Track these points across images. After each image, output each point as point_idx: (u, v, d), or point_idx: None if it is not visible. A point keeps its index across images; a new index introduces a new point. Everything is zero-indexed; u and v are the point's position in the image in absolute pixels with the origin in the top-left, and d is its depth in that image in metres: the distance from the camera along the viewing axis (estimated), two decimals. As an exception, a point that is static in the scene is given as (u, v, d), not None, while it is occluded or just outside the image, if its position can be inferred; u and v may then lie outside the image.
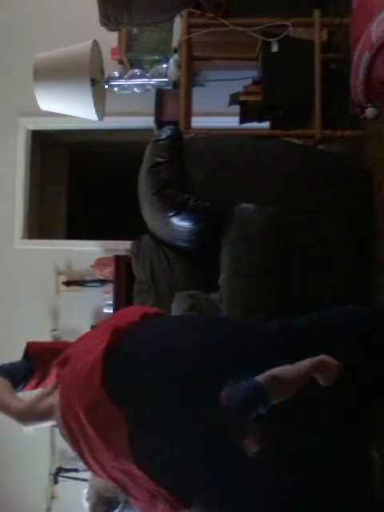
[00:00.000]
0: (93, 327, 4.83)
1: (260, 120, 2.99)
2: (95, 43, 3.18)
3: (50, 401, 1.46)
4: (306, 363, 1.31)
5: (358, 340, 1.54)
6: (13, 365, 1.62)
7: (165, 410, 1.35)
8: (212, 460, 1.34)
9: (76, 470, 4.21)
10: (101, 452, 1.37)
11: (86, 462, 1.43)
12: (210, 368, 1.38)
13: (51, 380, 1.56)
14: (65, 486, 4.44)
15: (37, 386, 1.60)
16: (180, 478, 1.37)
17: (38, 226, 5.65)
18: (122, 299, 3.72)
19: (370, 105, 2.27)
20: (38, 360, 1.61)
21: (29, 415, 1.47)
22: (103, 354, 1.38)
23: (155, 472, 1.35)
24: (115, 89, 3.86)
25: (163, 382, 1.37)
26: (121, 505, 1.72)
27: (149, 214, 2.46)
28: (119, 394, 1.36)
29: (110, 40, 4.34)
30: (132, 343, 1.44)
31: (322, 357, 1.32)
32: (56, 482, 4.45)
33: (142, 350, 1.43)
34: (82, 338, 1.63)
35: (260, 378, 1.26)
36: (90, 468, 1.44)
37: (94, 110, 3.15)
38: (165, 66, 3.88)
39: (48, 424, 1.48)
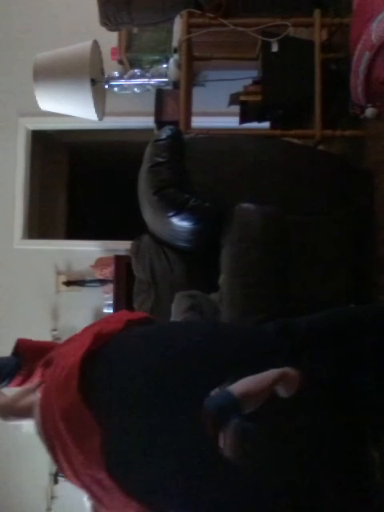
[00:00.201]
0: (93, 327, 4.84)
1: (260, 120, 2.99)
2: (95, 43, 3.18)
3: (32, 398, 1.45)
4: (269, 374, 1.30)
5: (359, 340, 1.54)
6: (0, 359, 1.61)
7: (143, 419, 1.33)
8: (193, 472, 1.32)
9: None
10: (75, 457, 1.35)
11: (60, 467, 1.41)
12: (195, 377, 1.36)
13: (36, 379, 1.56)
14: (65, 486, 4.43)
15: (22, 383, 1.59)
16: (155, 491, 1.34)
17: (38, 226, 5.65)
18: (122, 299, 3.72)
19: (369, 105, 2.27)
20: (26, 357, 1.60)
21: (10, 410, 1.46)
22: (82, 358, 1.37)
23: (128, 484, 1.33)
24: (115, 89, 3.86)
25: (143, 390, 1.35)
26: None
27: (149, 214, 2.46)
28: (96, 399, 1.34)
29: (109, 40, 4.34)
30: (113, 349, 1.42)
31: (286, 369, 1.31)
32: (56, 482, 4.45)
33: (123, 356, 1.41)
34: (69, 340, 1.61)
35: (233, 387, 1.26)
36: (63, 473, 1.41)
37: (93, 110, 3.15)
38: (165, 65, 3.89)
39: (28, 422, 1.47)
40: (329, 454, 1.60)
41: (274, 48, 2.73)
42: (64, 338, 5.38)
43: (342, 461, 1.74)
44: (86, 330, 1.58)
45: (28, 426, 1.49)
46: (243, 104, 2.91)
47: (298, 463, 1.62)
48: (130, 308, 2.76)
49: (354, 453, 1.73)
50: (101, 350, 1.41)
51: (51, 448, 1.39)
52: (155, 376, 1.36)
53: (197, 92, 3.38)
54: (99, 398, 1.35)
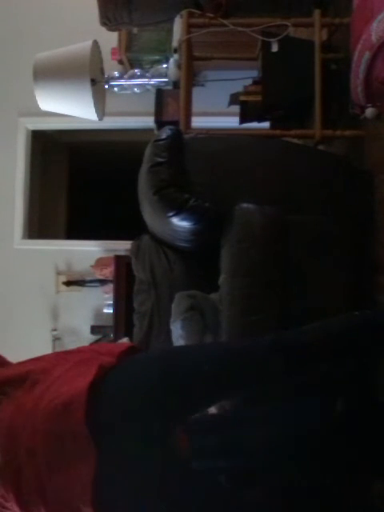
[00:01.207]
0: (93, 327, 4.85)
1: (260, 120, 2.99)
2: (95, 43, 3.19)
3: None
4: None
5: (360, 354, 1.55)
6: None
7: (149, 450, 1.31)
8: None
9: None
10: (51, 481, 1.31)
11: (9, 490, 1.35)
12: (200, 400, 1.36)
13: None
14: None
15: None
16: None
17: (38, 226, 5.65)
18: (122, 299, 3.72)
19: (370, 105, 2.26)
20: None
21: None
22: (89, 386, 1.34)
23: None
24: (115, 89, 3.88)
25: (151, 420, 1.33)
26: None
27: (149, 214, 2.46)
28: (101, 430, 1.31)
29: (110, 40, 4.35)
30: (117, 380, 1.41)
31: None
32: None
33: (128, 386, 1.41)
34: (41, 360, 1.58)
35: None
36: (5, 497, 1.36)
37: (93, 110, 3.15)
38: (165, 65, 3.89)
39: None
40: (328, 455, 1.59)
41: (274, 48, 2.73)
42: (64, 337, 5.38)
43: (343, 461, 1.74)
44: (77, 353, 1.57)
45: None
46: (243, 104, 2.91)
47: (297, 465, 1.62)
48: (130, 308, 2.76)
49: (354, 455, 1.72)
50: (103, 382, 1.39)
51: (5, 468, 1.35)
52: (164, 400, 1.36)
53: (197, 92, 3.39)
54: (105, 428, 1.33)
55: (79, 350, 1.66)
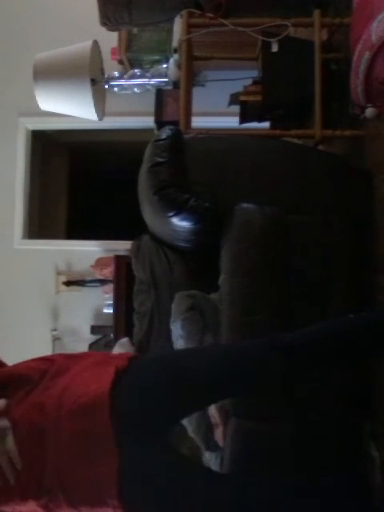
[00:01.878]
0: (93, 327, 4.85)
1: (260, 120, 2.99)
2: (95, 43, 3.18)
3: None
4: None
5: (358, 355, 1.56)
6: None
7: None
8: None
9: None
10: (76, 477, 1.36)
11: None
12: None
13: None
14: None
15: None
16: None
17: (38, 226, 5.65)
18: (122, 299, 3.72)
19: (370, 105, 2.26)
20: None
21: None
22: (111, 387, 1.40)
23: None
24: (115, 89, 3.87)
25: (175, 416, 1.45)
26: None
27: (149, 214, 2.46)
28: (121, 428, 1.37)
29: (110, 40, 4.35)
30: (131, 382, 1.46)
31: None
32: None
33: (141, 388, 1.45)
34: (50, 360, 1.58)
35: None
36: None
37: (93, 110, 3.15)
38: (165, 65, 3.89)
39: None
40: (328, 452, 1.60)
41: (274, 48, 2.73)
42: (64, 337, 5.38)
43: (342, 460, 1.74)
44: (87, 356, 1.62)
45: None
46: (243, 104, 2.91)
47: (297, 462, 1.62)
48: (130, 308, 2.76)
49: (353, 452, 1.73)
50: (120, 382, 1.44)
51: (27, 467, 1.38)
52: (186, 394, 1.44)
53: (197, 92, 3.39)
54: (129, 426, 1.38)
55: (88, 354, 1.71)
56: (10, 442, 1.36)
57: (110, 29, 3.51)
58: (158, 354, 1.76)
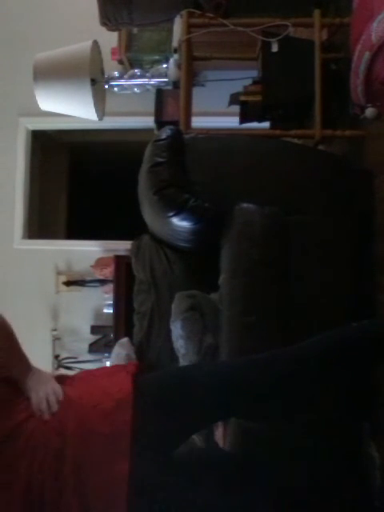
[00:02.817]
0: (93, 327, 4.84)
1: (260, 120, 2.98)
2: (95, 43, 3.19)
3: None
4: None
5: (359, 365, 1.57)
6: None
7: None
8: None
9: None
10: (96, 475, 1.38)
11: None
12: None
13: None
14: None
15: None
16: None
17: (38, 226, 5.65)
18: (122, 299, 3.71)
19: (369, 105, 2.26)
20: None
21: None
22: (133, 391, 1.44)
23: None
24: (115, 89, 3.87)
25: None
26: None
27: (149, 214, 2.46)
28: (136, 432, 1.40)
29: (110, 40, 4.34)
30: (144, 392, 1.48)
31: None
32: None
33: (153, 400, 1.48)
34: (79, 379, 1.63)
35: None
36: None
37: (93, 110, 3.16)
38: (165, 65, 3.89)
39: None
40: (328, 454, 1.60)
41: (274, 48, 2.73)
42: (64, 337, 5.37)
43: (342, 460, 1.74)
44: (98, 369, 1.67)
45: None
46: (243, 104, 2.91)
47: (297, 463, 1.62)
48: (130, 308, 2.76)
49: (354, 452, 1.73)
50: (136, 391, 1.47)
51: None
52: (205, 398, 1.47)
53: (197, 92, 3.38)
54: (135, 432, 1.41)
55: (97, 369, 1.77)
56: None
57: (110, 29, 3.51)
58: (167, 369, 1.80)
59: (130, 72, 4.07)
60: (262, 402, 1.50)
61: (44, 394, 1.45)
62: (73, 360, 4.57)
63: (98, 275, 4.72)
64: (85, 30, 3.71)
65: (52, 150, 6.00)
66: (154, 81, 3.84)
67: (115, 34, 4.45)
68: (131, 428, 1.38)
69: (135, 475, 1.36)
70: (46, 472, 1.37)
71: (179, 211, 2.23)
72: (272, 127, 2.97)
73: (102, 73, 3.36)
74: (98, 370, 1.70)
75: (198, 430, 1.83)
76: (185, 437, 1.57)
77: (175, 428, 1.46)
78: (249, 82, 2.98)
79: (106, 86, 3.46)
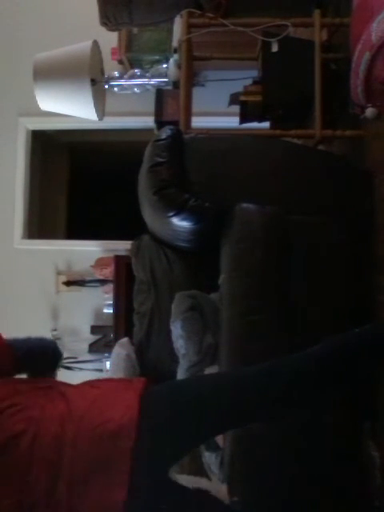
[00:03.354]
0: (93, 327, 4.84)
1: (260, 120, 2.99)
2: (95, 43, 3.18)
3: None
4: None
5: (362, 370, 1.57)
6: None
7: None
8: None
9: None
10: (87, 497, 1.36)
11: None
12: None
13: None
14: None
15: None
16: None
17: (38, 226, 5.65)
18: (122, 299, 3.71)
19: (369, 105, 2.26)
20: None
21: None
22: (138, 418, 1.39)
23: None
24: (115, 89, 3.86)
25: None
26: None
27: (149, 214, 2.46)
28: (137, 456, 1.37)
29: (110, 40, 4.34)
30: (149, 414, 1.45)
31: None
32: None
33: (156, 420, 1.45)
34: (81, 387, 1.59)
35: None
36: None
37: (93, 110, 3.15)
38: (165, 65, 3.88)
39: None
40: (328, 453, 1.60)
41: (274, 48, 2.73)
42: (64, 337, 5.36)
43: (342, 460, 1.74)
44: (107, 382, 1.63)
45: None
46: (243, 104, 2.91)
47: (297, 462, 1.62)
48: (130, 308, 2.76)
49: (354, 452, 1.73)
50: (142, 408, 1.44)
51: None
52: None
53: (197, 92, 3.38)
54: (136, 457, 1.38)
55: (103, 381, 1.70)
56: None
57: (110, 29, 3.50)
58: (167, 384, 1.75)
59: (130, 72, 4.06)
60: (267, 411, 1.49)
61: None
62: (73, 360, 4.57)
63: (98, 275, 4.71)
64: (85, 30, 3.71)
65: (52, 149, 6.00)
66: (153, 81, 3.84)
67: (115, 34, 4.44)
68: (131, 457, 1.34)
69: (131, 503, 1.33)
70: (40, 486, 1.34)
71: (179, 211, 2.23)
72: (272, 127, 2.97)
73: (102, 73, 3.36)
74: (103, 382, 1.62)
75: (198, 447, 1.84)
76: (185, 455, 1.57)
77: (181, 449, 1.45)
78: (249, 82, 2.98)
79: (106, 86, 3.46)
